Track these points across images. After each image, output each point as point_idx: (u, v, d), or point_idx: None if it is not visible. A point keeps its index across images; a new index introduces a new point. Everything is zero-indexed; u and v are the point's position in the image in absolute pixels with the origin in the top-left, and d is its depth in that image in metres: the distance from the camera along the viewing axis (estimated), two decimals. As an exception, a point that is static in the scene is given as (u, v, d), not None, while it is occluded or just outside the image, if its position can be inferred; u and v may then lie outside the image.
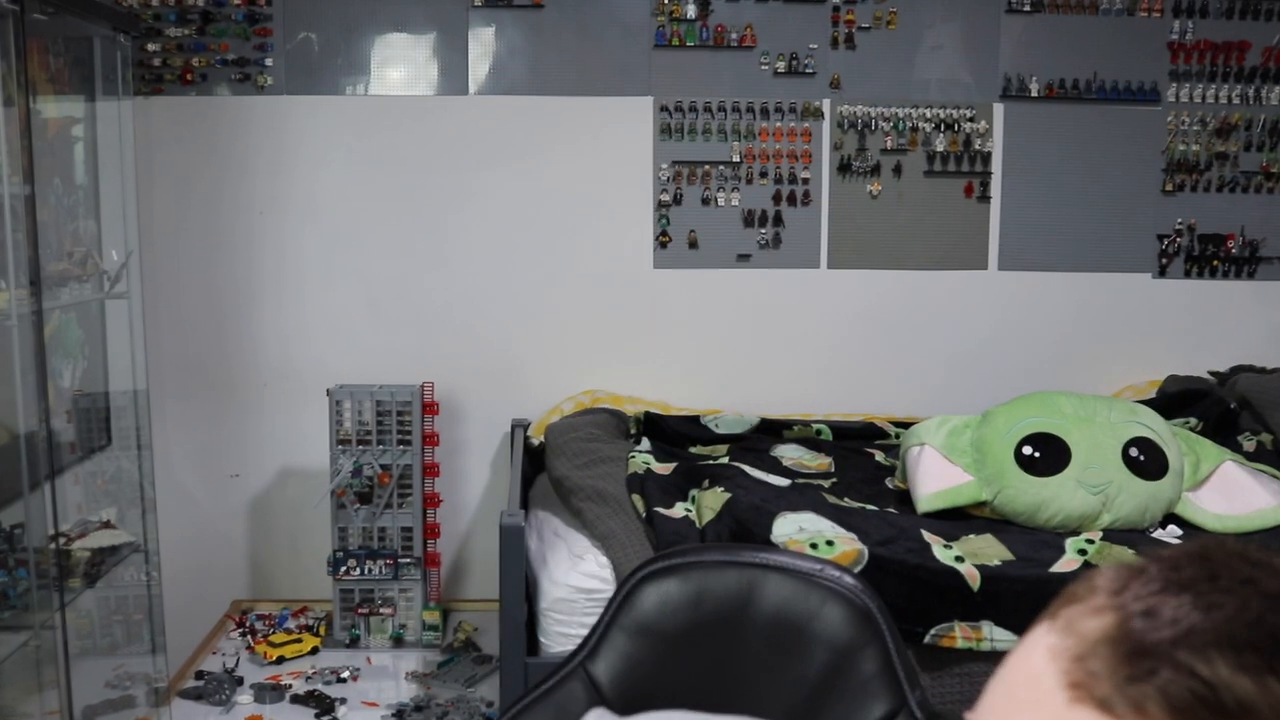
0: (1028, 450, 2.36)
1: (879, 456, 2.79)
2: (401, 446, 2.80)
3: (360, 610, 2.80)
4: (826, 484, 2.51)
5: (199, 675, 2.59)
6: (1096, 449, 2.35)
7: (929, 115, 3.07)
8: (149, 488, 2.50)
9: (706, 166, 3.06)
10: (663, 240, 3.09)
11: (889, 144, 3.08)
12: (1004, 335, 3.15)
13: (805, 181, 3.08)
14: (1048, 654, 0.47)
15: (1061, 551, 2.22)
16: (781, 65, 3.04)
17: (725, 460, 2.62)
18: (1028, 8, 3.05)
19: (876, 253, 3.12)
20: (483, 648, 2.76)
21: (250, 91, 2.98)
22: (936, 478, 2.41)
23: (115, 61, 2.46)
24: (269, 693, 2.49)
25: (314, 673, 2.61)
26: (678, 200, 3.07)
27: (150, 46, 2.94)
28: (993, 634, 2.10)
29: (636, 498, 2.39)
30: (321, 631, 2.81)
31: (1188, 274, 3.15)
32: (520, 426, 2.95)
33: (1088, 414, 2.42)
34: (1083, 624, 0.46)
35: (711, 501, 2.30)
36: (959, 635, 2.10)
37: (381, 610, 2.80)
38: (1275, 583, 0.45)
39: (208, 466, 3.06)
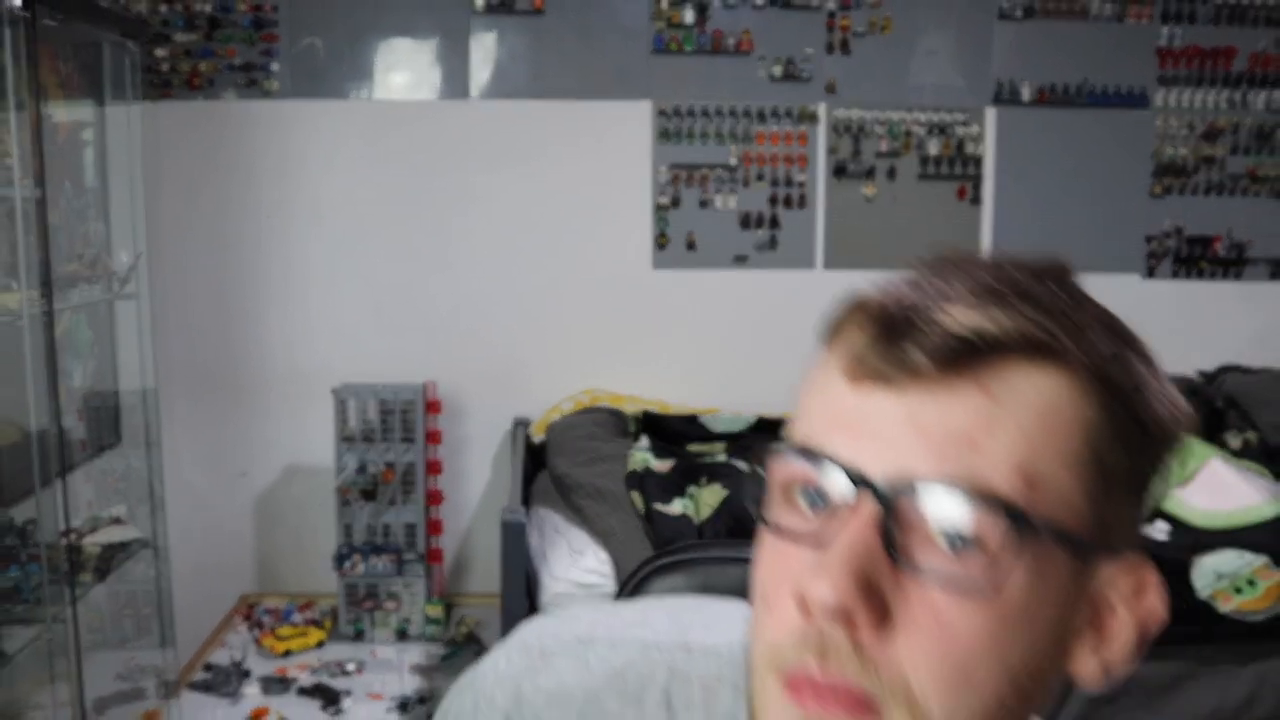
0: (1018, 448, 2.40)
1: (873, 454, 2.83)
2: (405, 444, 2.85)
3: (365, 604, 2.84)
4: (822, 481, 2.55)
5: (207, 668, 2.63)
6: (1085, 446, 2.39)
7: (922, 119, 3.12)
8: (158, 485, 2.54)
9: (704, 170, 3.10)
10: (661, 242, 3.13)
11: (883, 148, 3.12)
12: (996, 335, 3.19)
13: (801, 184, 3.13)
14: (828, 369, 0.54)
15: (1051, 546, 2.26)
16: (778, 70, 3.08)
17: (723, 458, 2.67)
18: (1019, 14, 3.10)
19: (871, 254, 3.16)
20: (485, 641, 2.81)
21: (256, 96, 3.02)
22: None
23: (124, 67, 2.50)
24: (276, 685, 2.54)
25: (320, 665, 2.65)
26: (676, 203, 3.11)
27: (158, 52, 2.98)
28: (983, 627, 2.15)
29: (635, 495, 2.43)
30: (327, 625, 2.85)
31: (1175, 275, 3.20)
32: (521, 425, 2.99)
33: (1077, 412, 2.46)
34: (852, 337, 0.53)
35: (709, 498, 2.34)
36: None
37: (386, 604, 2.85)
38: (982, 261, 0.53)
39: (216, 464, 3.10)
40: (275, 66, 3.02)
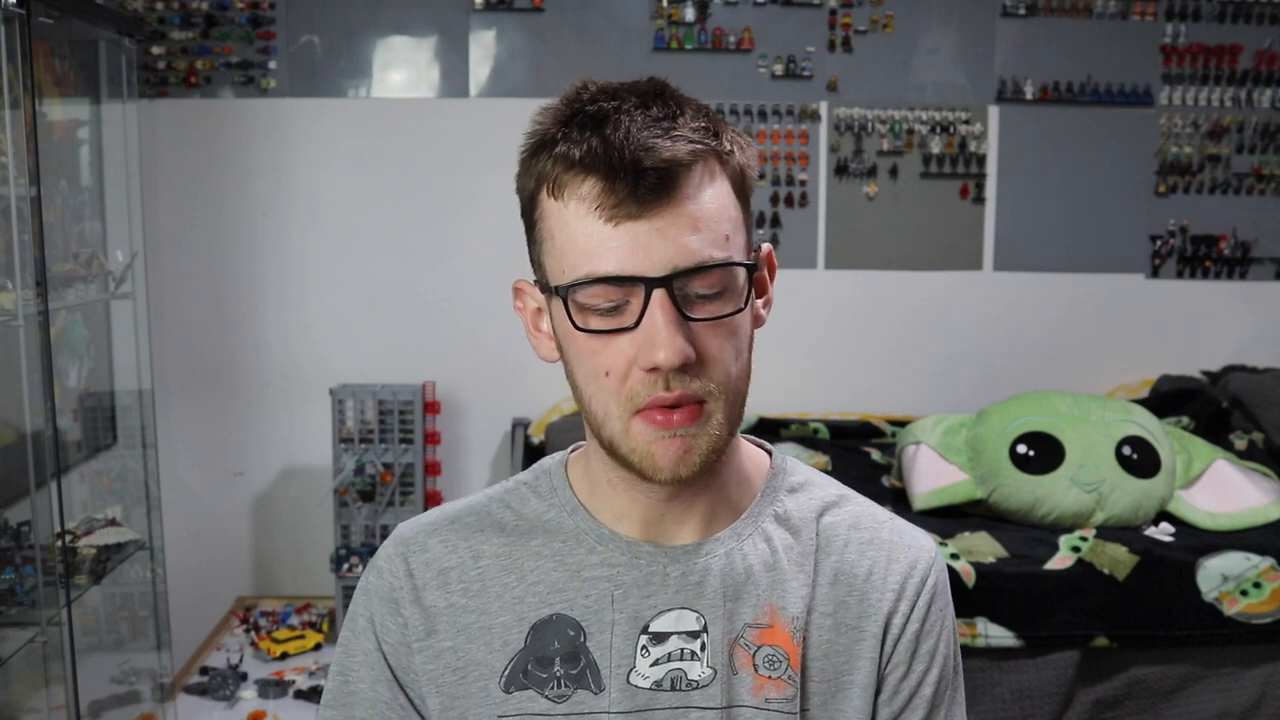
0: (1022, 449, 2.39)
1: (875, 455, 2.82)
2: (403, 445, 2.84)
3: (362, 607, 2.82)
4: (823, 482, 2.54)
5: (203, 671, 2.62)
6: (1090, 447, 2.38)
7: (925, 118, 3.10)
8: (154, 486, 2.53)
9: (705, 168, 3.08)
10: (661, 241, 3.11)
11: (885, 146, 3.11)
12: (999, 335, 3.18)
13: (803, 183, 3.11)
14: (574, 216, 0.77)
15: (1055, 549, 2.25)
16: (779, 68, 3.07)
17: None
18: (1022, 11, 3.08)
19: (873, 253, 3.15)
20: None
21: (253, 94, 3.00)
22: (932, 476, 2.44)
23: (120, 65, 2.48)
24: (272, 688, 2.52)
25: (317, 669, 2.64)
26: (676, 202, 3.09)
27: (155, 50, 2.96)
28: (988, 630, 2.13)
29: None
30: (324, 628, 2.84)
31: (1180, 275, 3.18)
32: (521, 425, 2.98)
33: (1082, 413, 2.45)
34: (584, 189, 0.76)
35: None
36: (954, 631, 2.13)
37: (383, 607, 2.83)
38: (618, 94, 0.79)
39: (212, 465, 3.09)
40: (273, 64, 3.00)
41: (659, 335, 0.74)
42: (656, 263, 0.74)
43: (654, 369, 0.75)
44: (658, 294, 0.74)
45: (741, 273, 0.78)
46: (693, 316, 0.76)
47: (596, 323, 0.77)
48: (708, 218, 0.76)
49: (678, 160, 0.75)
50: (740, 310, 0.78)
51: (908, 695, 0.86)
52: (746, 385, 0.82)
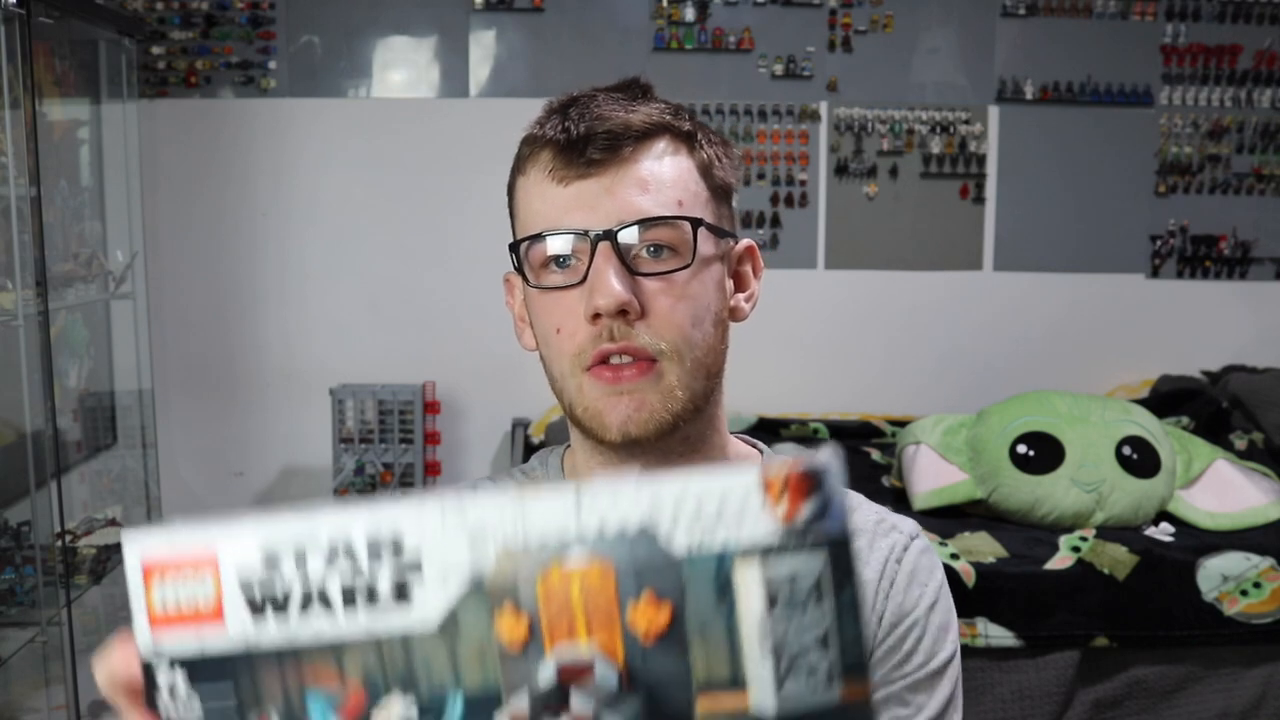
0: (1022, 449, 2.39)
1: (875, 455, 2.82)
2: (403, 445, 2.84)
3: (362, 607, 2.82)
4: (823, 482, 2.53)
5: (203, 671, 2.61)
6: (1090, 447, 2.38)
7: (925, 118, 3.10)
8: (154, 486, 2.53)
9: (705, 168, 3.08)
10: (661, 241, 3.11)
11: (885, 146, 3.11)
12: (999, 335, 3.18)
13: (803, 183, 3.11)
14: (533, 183, 0.81)
15: (1055, 549, 2.25)
16: (779, 68, 3.07)
17: (723, 459, 2.64)
18: (1022, 11, 3.08)
19: (873, 253, 3.15)
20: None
21: (253, 94, 3.00)
22: (932, 476, 2.44)
23: (120, 65, 2.49)
24: (273, 688, 2.52)
25: (317, 669, 2.64)
26: (676, 202, 3.09)
27: (155, 50, 2.96)
28: (988, 630, 2.13)
29: (636, 495, 2.41)
30: (324, 628, 2.84)
31: (1180, 275, 3.18)
32: (521, 425, 2.97)
33: (1082, 413, 2.45)
34: (543, 157, 0.81)
35: (710, 499, 2.33)
36: (954, 631, 2.13)
37: (383, 607, 2.83)
38: (598, 90, 0.84)
39: (212, 465, 3.08)
40: (273, 64, 3.00)
41: (598, 281, 0.76)
42: (602, 217, 0.77)
43: (596, 317, 0.77)
44: (602, 246, 0.77)
45: (690, 235, 0.79)
46: (640, 271, 0.78)
47: (548, 280, 0.80)
48: (658, 181, 0.79)
49: (630, 126, 0.78)
50: (687, 266, 0.79)
51: (886, 681, 0.85)
52: (713, 360, 0.84)
